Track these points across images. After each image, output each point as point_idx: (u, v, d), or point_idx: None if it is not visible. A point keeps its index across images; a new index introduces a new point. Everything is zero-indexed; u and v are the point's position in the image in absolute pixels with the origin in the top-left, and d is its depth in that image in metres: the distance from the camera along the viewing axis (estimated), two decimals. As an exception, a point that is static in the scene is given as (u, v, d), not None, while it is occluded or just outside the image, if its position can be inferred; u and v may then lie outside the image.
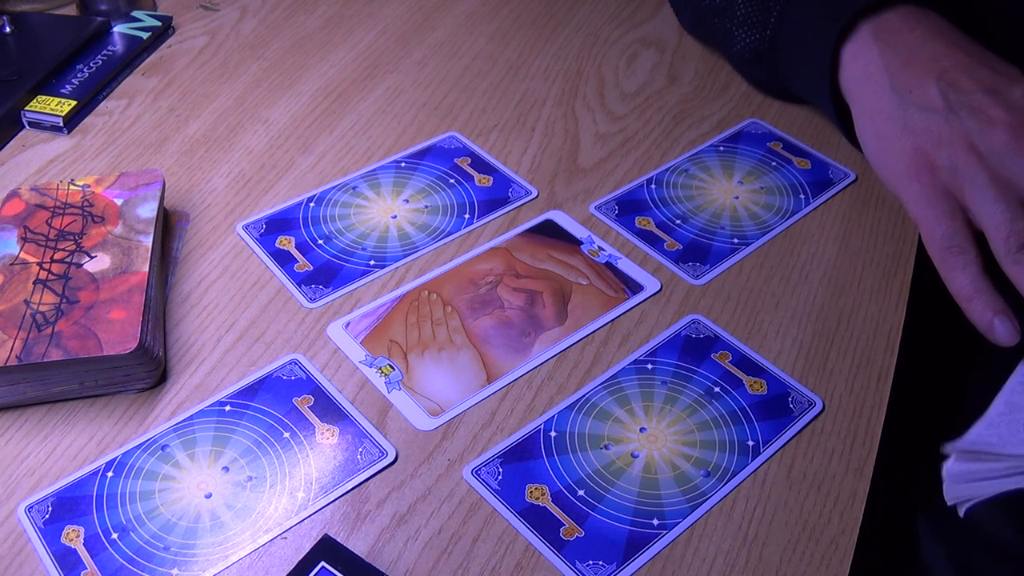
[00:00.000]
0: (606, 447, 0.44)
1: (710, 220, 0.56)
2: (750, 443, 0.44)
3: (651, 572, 0.39)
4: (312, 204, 0.57)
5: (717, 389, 0.46)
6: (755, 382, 0.46)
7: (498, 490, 0.42)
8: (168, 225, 0.55)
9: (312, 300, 0.51)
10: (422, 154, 0.61)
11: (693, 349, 0.48)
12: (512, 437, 0.44)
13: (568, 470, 0.43)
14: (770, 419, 0.45)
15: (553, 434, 0.44)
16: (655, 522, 0.41)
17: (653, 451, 0.43)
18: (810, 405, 0.45)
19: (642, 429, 0.44)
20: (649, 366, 0.47)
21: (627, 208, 0.57)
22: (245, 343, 0.48)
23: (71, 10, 0.72)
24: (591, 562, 0.39)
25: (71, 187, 0.52)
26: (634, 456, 0.43)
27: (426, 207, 0.57)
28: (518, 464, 0.43)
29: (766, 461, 0.43)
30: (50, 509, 0.41)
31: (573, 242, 0.54)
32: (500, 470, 0.43)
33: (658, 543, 0.40)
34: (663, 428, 0.44)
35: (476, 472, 0.43)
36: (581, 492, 0.42)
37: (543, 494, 0.42)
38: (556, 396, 0.46)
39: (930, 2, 0.55)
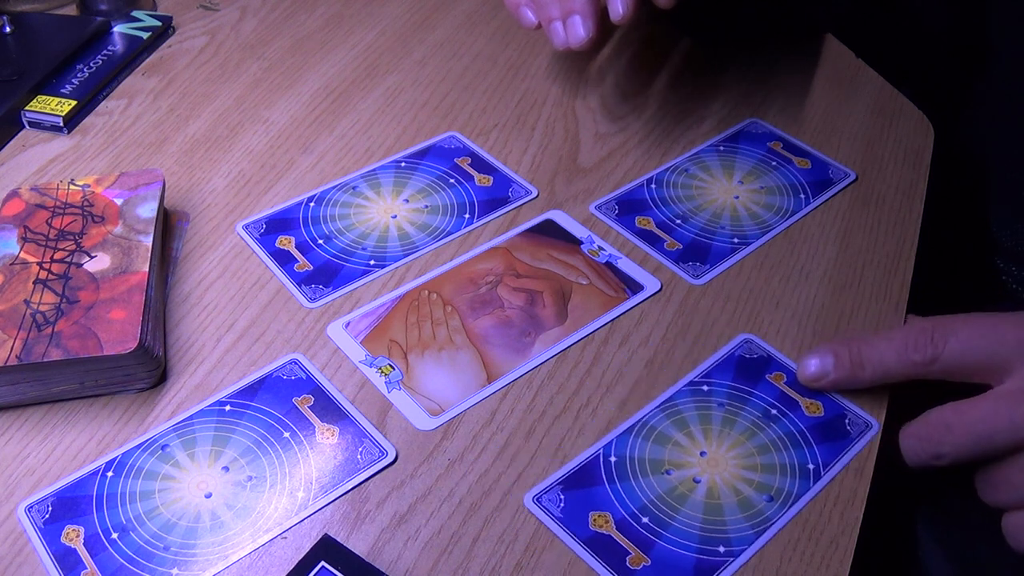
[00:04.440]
0: (667, 472, 0.43)
1: (710, 220, 0.56)
2: (810, 466, 0.43)
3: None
4: (312, 204, 0.57)
5: (774, 411, 0.45)
6: (811, 404, 0.45)
7: (561, 518, 0.41)
8: (168, 225, 0.55)
9: (312, 300, 0.51)
10: (422, 154, 0.61)
11: (747, 370, 0.47)
12: (572, 463, 0.43)
13: (631, 496, 0.42)
14: (828, 441, 0.44)
15: (613, 459, 0.43)
16: (721, 549, 0.40)
17: (715, 476, 0.42)
18: (867, 427, 0.45)
19: (702, 453, 0.43)
20: (704, 387, 0.46)
21: (627, 208, 0.57)
22: (245, 343, 0.48)
23: (71, 10, 0.72)
24: None
25: (71, 187, 0.52)
26: (696, 481, 0.42)
27: (426, 207, 0.57)
28: (580, 491, 0.42)
29: (827, 484, 0.42)
30: (50, 509, 0.41)
31: (573, 242, 0.54)
32: (562, 497, 0.42)
33: (726, 570, 0.39)
34: (723, 452, 0.43)
35: (537, 499, 0.42)
36: (645, 519, 0.41)
37: (607, 522, 0.41)
38: (556, 396, 0.46)
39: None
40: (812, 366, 0.45)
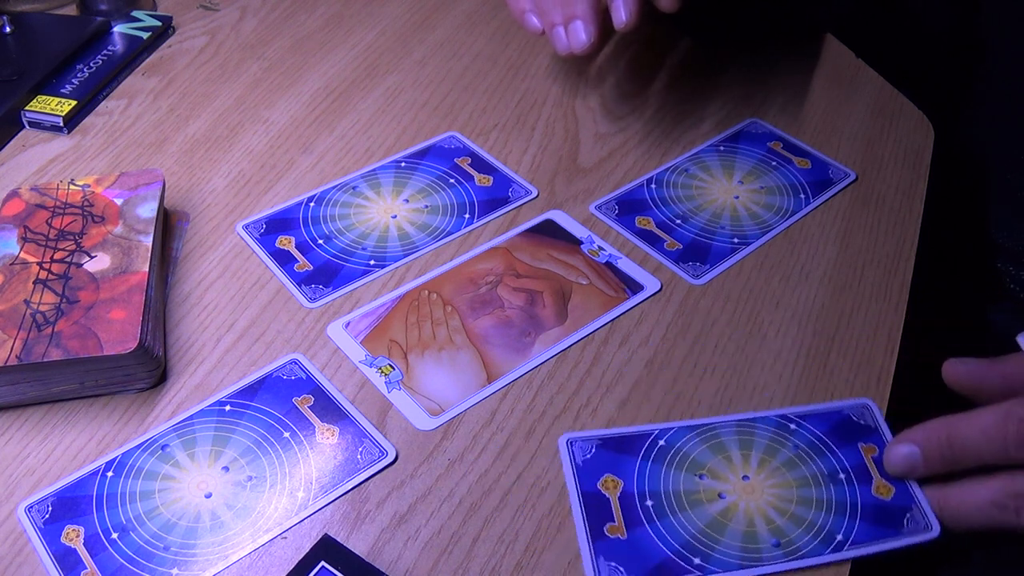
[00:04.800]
0: (700, 476, 0.43)
1: (710, 220, 0.56)
2: (839, 537, 0.40)
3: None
4: (312, 204, 0.57)
5: (842, 475, 0.43)
6: (884, 486, 0.43)
7: (579, 466, 0.42)
8: (168, 225, 0.55)
9: (312, 300, 0.51)
10: (422, 154, 0.61)
11: (845, 430, 0.45)
12: (621, 429, 0.44)
13: (652, 479, 0.42)
14: (874, 524, 0.41)
15: (661, 443, 0.44)
16: (696, 560, 0.39)
17: (741, 501, 0.42)
18: (926, 529, 0.41)
19: (744, 477, 0.43)
20: (792, 425, 0.45)
21: (627, 208, 0.57)
22: (245, 343, 0.48)
23: (71, 10, 0.72)
24: (614, 565, 0.39)
25: (71, 187, 0.52)
26: (721, 497, 0.42)
27: (426, 207, 0.57)
28: (611, 453, 0.43)
29: (843, 561, 0.40)
30: (50, 509, 0.41)
31: (573, 242, 0.54)
32: (592, 451, 0.43)
33: None
34: (766, 486, 0.42)
35: (570, 443, 0.43)
36: (649, 503, 0.41)
37: (615, 487, 0.42)
38: (556, 396, 0.46)
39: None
40: (901, 463, 0.42)
